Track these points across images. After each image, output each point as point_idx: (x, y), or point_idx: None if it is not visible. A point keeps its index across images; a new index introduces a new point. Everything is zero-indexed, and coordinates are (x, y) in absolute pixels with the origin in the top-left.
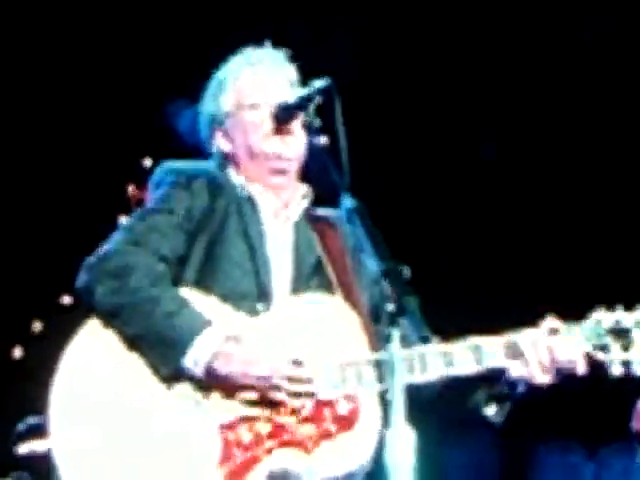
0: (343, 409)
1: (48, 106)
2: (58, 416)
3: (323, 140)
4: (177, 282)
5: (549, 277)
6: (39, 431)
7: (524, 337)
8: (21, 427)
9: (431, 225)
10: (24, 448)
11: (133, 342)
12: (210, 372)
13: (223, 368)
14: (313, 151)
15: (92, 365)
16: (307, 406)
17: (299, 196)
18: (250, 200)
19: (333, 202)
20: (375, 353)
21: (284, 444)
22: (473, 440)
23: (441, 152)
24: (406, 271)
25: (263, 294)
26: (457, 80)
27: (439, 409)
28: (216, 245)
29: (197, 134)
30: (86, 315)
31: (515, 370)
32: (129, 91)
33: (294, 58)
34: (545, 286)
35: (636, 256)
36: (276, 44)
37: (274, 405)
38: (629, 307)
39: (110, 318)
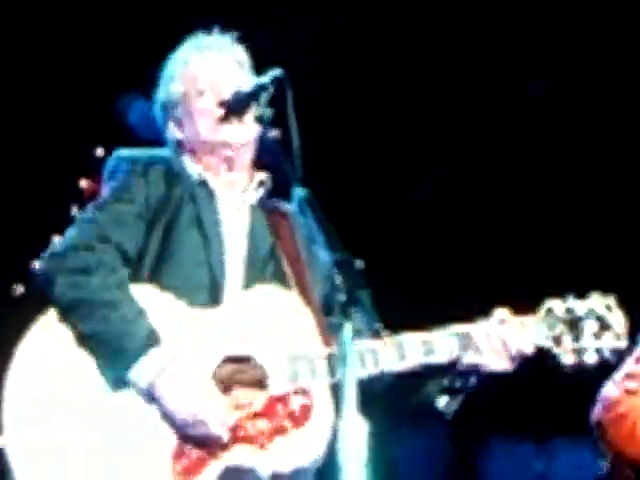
0: (296, 404)
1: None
2: (11, 415)
3: (275, 131)
4: (135, 273)
5: (500, 268)
6: None
7: (476, 327)
8: None
9: (382, 216)
10: None
11: (84, 340)
12: (151, 389)
13: (162, 391)
14: (265, 142)
15: (45, 363)
16: (260, 402)
17: (255, 183)
18: (205, 187)
19: (285, 193)
20: (327, 347)
21: (238, 440)
22: (424, 432)
23: (391, 144)
24: (358, 263)
25: (215, 284)
26: (412, 77)
27: (391, 401)
28: (170, 234)
29: (148, 127)
30: (40, 305)
31: (467, 359)
32: (80, 81)
33: (243, 40)
34: (496, 277)
35: (588, 244)
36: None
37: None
38: (581, 295)
39: (66, 312)
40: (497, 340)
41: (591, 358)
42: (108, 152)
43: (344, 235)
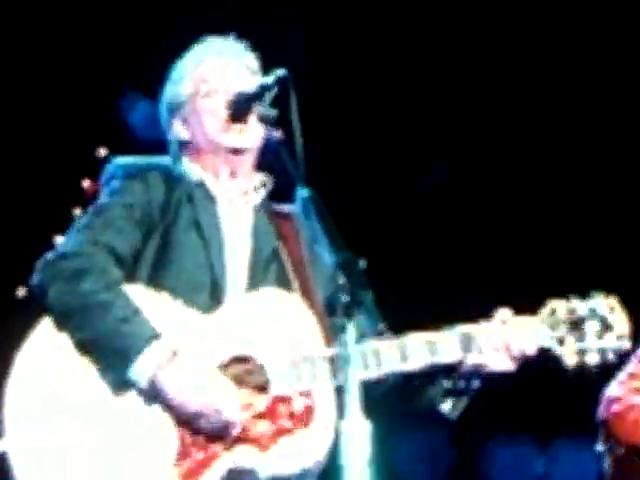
0: (299, 405)
1: (2, 99)
2: (12, 416)
3: (278, 132)
4: (131, 278)
5: (503, 268)
6: None
7: (478, 328)
8: None
9: (383, 216)
10: None
11: (82, 346)
12: (153, 386)
13: (165, 384)
14: (269, 143)
15: (47, 364)
16: (262, 404)
17: (256, 184)
18: (204, 188)
19: (289, 194)
20: (330, 348)
21: (240, 441)
22: (425, 432)
23: (395, 146)
24: (361, 263)
25: (217, 286)
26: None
27: (394, 405)
28: (169, 238)
29: (150, 128)
30: (41, 310)
31: (470, 360)
32: (84, 83)
33: (255, 49)
34: (499, 277)
35: (591, 244)
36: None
37: None
38: (583, 296)
39: (61, 320)
40: (499, 340)
41: (594, 359)
42: (111, 153)
43: (345, 235)
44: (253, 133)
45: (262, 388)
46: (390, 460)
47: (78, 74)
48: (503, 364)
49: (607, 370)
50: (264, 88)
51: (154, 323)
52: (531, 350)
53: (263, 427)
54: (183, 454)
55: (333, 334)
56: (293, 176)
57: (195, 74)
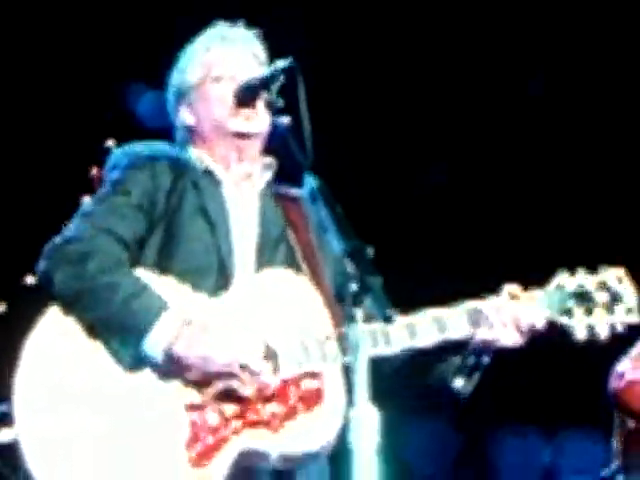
0: (308, 387)
1: (11, 89)
2: (22, 404)
3: (286, 120)
4: (137, 265)
5: (510, 244)
6: (5, 419)
7: (486, 303)
8: None
9: (392, 203)
10: None
11: (93, 328)
12: (169, 356)
13: (182, 352)
14: (276, 131)
15: (55, 351)
16: (272, 385)
17: (262, 167)
18: (210, 174)
19: (296, 182)
20: (338, 329)
21: (251, 424)
22: (432, 423)
23: (404, 131)
24: (369, 250)
25: (224, 269)
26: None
27: (407, 381)
28: (175, 225)
29: (157, 117)
30: (48, 296)
31: (479, 335)
32: (92, 72)
33: (264, 38)
34: (506, 253)
35: (598, 219)
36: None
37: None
38: (591, 270)
39: (69, 305)
40: (508, 315)
41: (603, 332)
42: (119, 144)
43: (352, 218)
44: (260, 119)
45: (272, 370)
46: (397, 450)
47: (88, 64)
48: (512, 338)
49: (613, 357)
50: (272, 77)
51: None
52: (540, 323)
53: (273, 409)
54: (194, 438)
55: (341, 319)
56: (301, 164)
57: (203, 60)
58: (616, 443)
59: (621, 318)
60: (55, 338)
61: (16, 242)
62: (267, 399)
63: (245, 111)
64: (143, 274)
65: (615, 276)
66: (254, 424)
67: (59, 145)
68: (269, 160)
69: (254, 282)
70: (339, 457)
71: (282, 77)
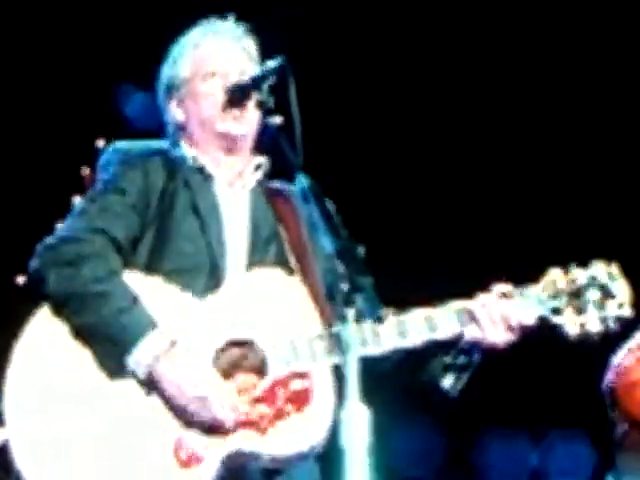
0: (297, 387)
1: (2, 89)
2: (13, 406)
3: (277, 119)
4: (129, 264)
5: (500, 240)
6: None
7: (476, 301)
8: None
9: (383, 201)
10: None
11: (80, 332)
12: (151, 376)
13: (162, 376)
14: (267, 130)
15: (46, 352)
16: (260, 386)
17: (252, 166)
18: (201, 172)
19: (288, 181)
20: (327, 328)
21: (240, 425)
22: (419, 425)
23: (394, 130)
24: (361, 250)
25: (216, 268)
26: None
27: (397, 380)
28: (167, 224)
29: (146, 119)
30: (38, 296)
31: (469, 334)
32: (83, 72)
33: (255, 33)
34: (497, 249)
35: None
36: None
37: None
38: (582, 265)
39: (59, 305)
40: (497, 312)
41: (595, 327)
42: (109, 144)
43: (343, 217)
44: (249, 119)
45: (260, 371)
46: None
47: (79, 64)
48: (502, 337)
49: (602, 359)
50: (263, 76)
51: (152, 310)
52: (530, 321)
53: (262, 410)
54: (182, 440)
55: (331, 318)
56: (292, 163)
57: (194, 55)
58: (609, 444)
59: (613, 313)
60: (45, 339)
61: (8, 242)
62: (256, 400)
63: (234, 111)
64: (135, 279)
65: (606, 271)
66: (243, 425)
67: (51, 145)
68: (260, 159)
69: (244, 281)
70: (329, 456)
71: (273, 76)
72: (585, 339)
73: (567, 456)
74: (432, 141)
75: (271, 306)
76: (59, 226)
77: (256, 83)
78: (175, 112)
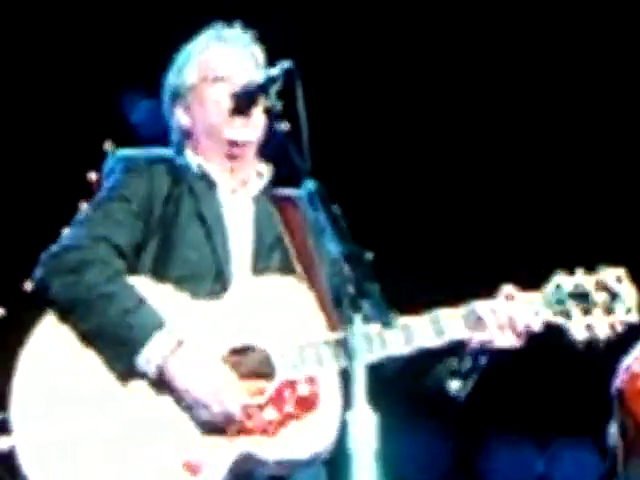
0: (304, 392)
1: (8, 93)
2: (19, 412)
3: (284, 124)
4: (133, 271)
5: (507, 245)
6: (4, 427)
7: (482, 305)
8: None
9: (390, 205)
10: None
11: (88, 338)
12: (162, 374)
13: (173, 372)
14: (274, 135)
15: (52, 358)
16: (267, 391)
17: (257, 173)
18: (206, 178)
19: (295, 186)
20: (334, 333)
21: (247, 430)
22: (425, 431)
23: (400, 135)
24: (368, 255)
25: (221, 275)
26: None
27: (403, 385)
28: (171, 231)
29: (151, 126)
30: (44, 304)
31: (476, 338)
32: (90, 77)
33: (262, 40)
34: (503, 254)
35: (596, 218)
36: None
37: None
38: (589, 270)
39: (65, 313)
40: (504, 317)
41: (603, 332)
42: (117, 148)
43: (351, 226)
44: (255, 126)
45: (267, 375)
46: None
47: (87, 68)
48: (509, 340)
49: (608, 366)
50: (270, 81)
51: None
52: (537, 325)
53: (269, 415)
54: (191, 445)
55: (338, 322)
56: (300, 168)
57: (200, 61)
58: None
59: (620, 317)
60: (52, 345)
61: (15, 248)
62: (263, 405)
63: (241, 117)
64: (141, 282)
65: (614, 276)
66: (251, 430)
67: (58, 150)
68: (264, 166)
69: (249, 288)
70: (336, 461)
71: (281, 81)
72: (592, 344)
73: (573, 463)
74: (439, 147)
75: (277, 312)
76: (63, 234)
77: (263, 88)
78: (181, 118)
